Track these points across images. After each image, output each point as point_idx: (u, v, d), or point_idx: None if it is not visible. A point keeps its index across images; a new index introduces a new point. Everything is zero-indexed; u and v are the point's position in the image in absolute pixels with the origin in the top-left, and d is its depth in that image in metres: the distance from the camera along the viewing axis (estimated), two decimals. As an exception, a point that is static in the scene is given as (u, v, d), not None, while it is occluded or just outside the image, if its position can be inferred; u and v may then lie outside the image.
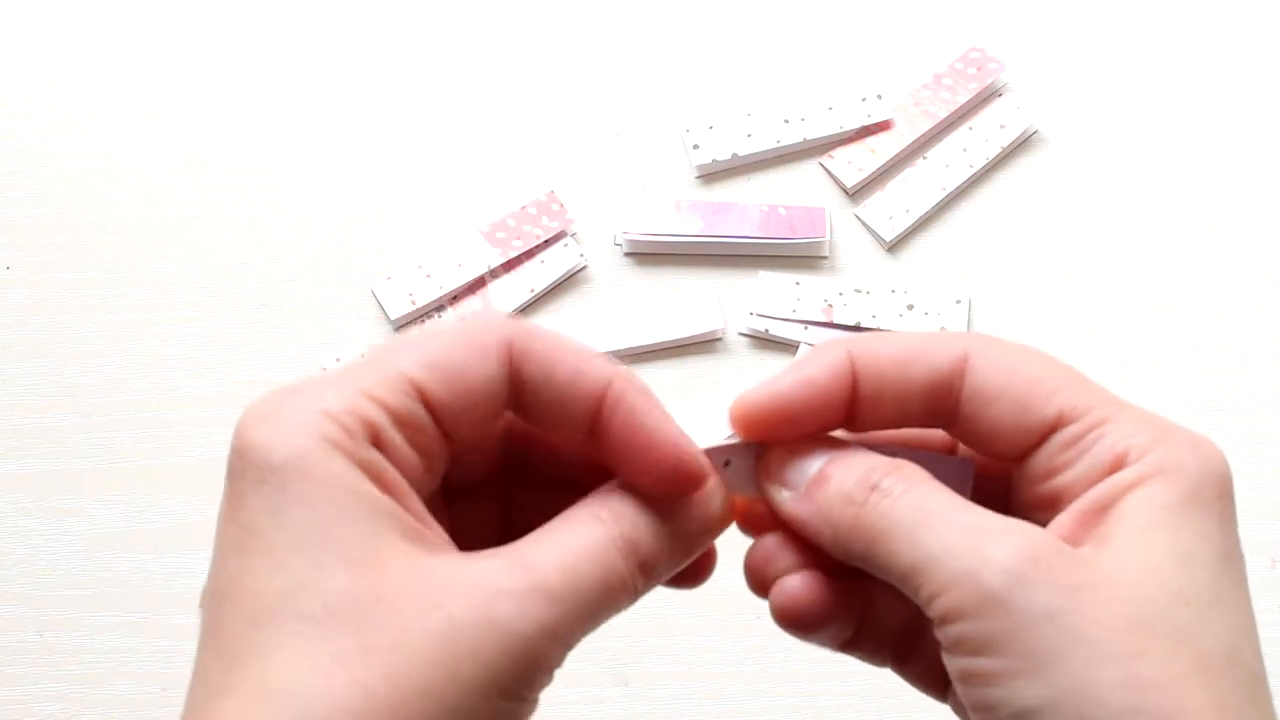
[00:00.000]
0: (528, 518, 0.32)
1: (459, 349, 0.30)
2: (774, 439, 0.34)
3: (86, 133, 0.78)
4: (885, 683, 0.38)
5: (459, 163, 0.77)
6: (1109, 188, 0.75)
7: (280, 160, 0.77)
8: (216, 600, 0.29)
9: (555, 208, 0.74)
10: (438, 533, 0.30)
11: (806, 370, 0.33)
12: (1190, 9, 0.80)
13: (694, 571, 0.34)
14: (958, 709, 0.36)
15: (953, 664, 0.30)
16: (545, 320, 0.72)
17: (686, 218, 0.73)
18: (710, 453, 0.34)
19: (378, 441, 0.29)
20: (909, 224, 0.73)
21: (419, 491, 0.30)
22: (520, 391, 0.31)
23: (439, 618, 0.28)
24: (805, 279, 0.72)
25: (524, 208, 0.74)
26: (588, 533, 0.30)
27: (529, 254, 0.73)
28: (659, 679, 0.64)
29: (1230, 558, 0.31)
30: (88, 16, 0.81)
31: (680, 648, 0.65)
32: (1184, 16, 0.80)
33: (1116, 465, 0.31)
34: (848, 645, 0.36)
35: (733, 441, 0.34)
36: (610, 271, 0.73)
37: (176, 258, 0.74)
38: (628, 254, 0.74)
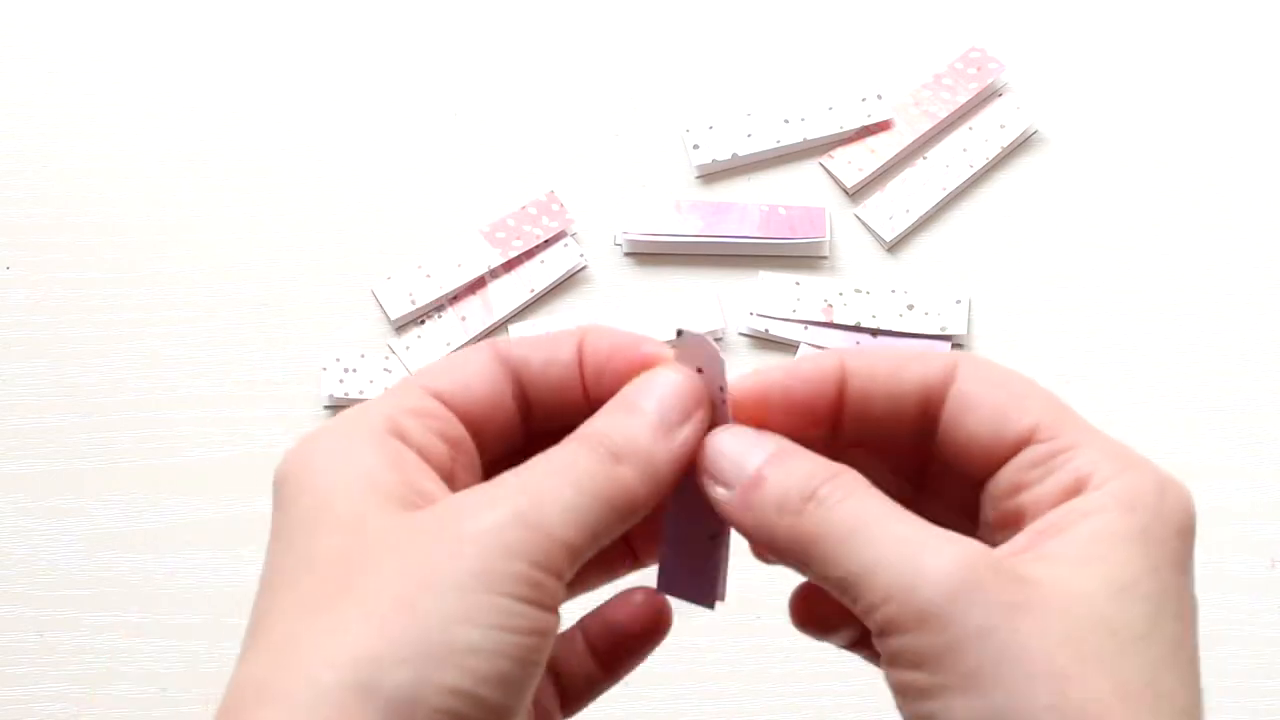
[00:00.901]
0: None
1: (455, 359, 0.34)
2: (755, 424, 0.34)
3: (86, 133, 0.78)
4: (885, 683, 0.38)
5: (459, 163, 0.77)
6: (1109, 188, 0.75)
7: (280, 160, 0.77)
8: (256, 594, 0.31)
9: (555, 208, 0.74)
10: (445, 492, 0.32)
11: (796, 365, 0.34)
12: (1190, 9, 0.80)
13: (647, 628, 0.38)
14: None
15: (890, 677, 0.30)
16: (545, 320, 0.72)
17: (686, 218, 0.73)
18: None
19: (402, 434, 0.31)
20: (909, 224, 0.73)
21: (453, 483, 0.32)
22: (516, 370, 0.34)
23: (423, 542, 0.29)
24: (805, 279, 0.72)
25: (524, 208, 0.74)
26: (568, 449, 0.32)
27: (529, 254, 0.73)
28: (659, 679, 0.64)
29: (1175, 595, 0.30)
30: (88, 16, 0.81)
31: (680, 648, 0.65)
32: (1184, 16, 0.80)
33: (1076, 489, 0.31)
34: (855, 644, 0.36)
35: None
36: (610, 271, 0.73)
37: (176, 258, 0.74)
38: (628, 254, 0.74)
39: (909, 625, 0.29)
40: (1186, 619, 0.30)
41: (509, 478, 0.31)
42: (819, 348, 0.70)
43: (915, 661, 0.29)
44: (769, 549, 0.32)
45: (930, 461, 0.35)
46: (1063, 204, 0.75)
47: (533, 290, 0.72)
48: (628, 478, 0.31)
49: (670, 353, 0.35)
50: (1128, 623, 0.29)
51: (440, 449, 0.32)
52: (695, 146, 0.75)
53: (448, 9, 0.81)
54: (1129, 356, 0.71)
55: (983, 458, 0.33)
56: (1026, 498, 0.32)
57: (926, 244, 0.74)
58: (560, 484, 0.30)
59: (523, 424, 0.35)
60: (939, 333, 0.70)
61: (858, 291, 0.71)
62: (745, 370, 0.35)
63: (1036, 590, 0.29)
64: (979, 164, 0.75)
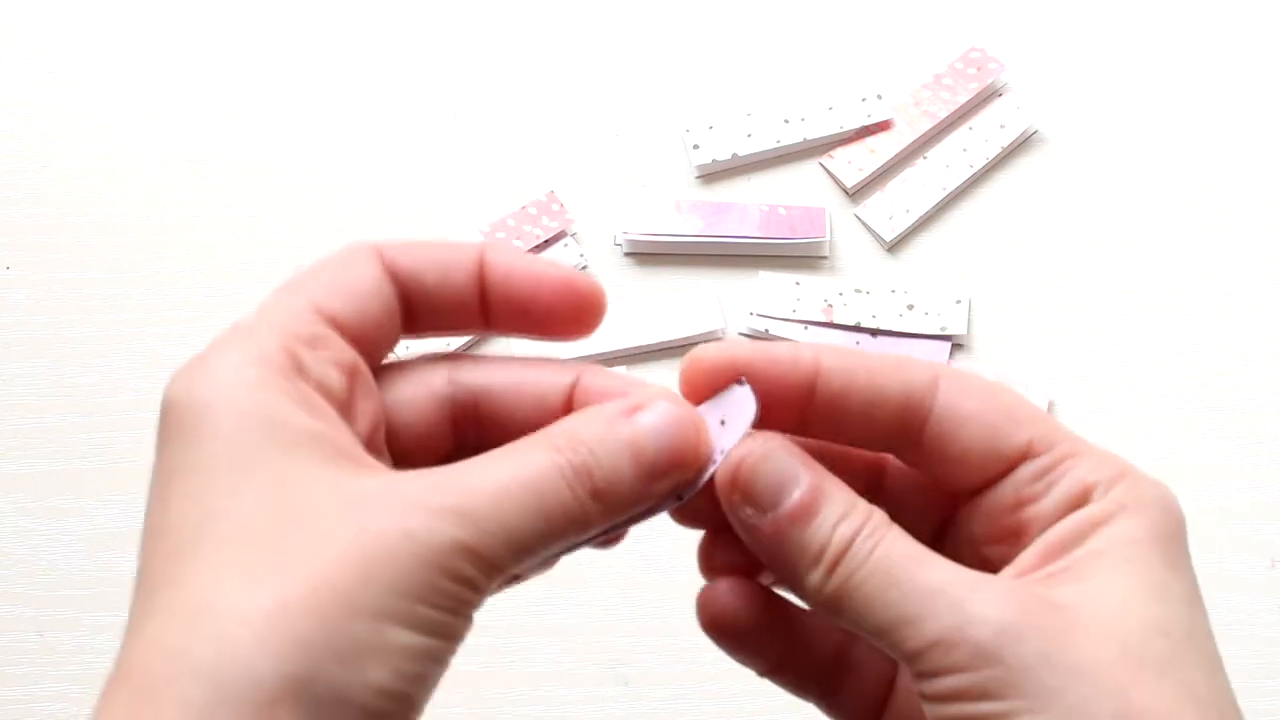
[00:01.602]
0: None
1: (340, 267, 0.32)
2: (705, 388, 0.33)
3: (86, 133, 0.78)
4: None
5: (459, 163, 0.77)
6: (1109, 188, 0.75)
7: (280, 160, 0.77)
8: (143, 545, 0.29)
9: (555, 208, 0.74)
10: (367, 457, 0.30)
11: (771, 348, 0.33)
12: (1190, 9, 0.80)
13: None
14: None
15: (941, 709, 0.30)
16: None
17: (686, 218, 0.73)
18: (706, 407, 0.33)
19: (301, 370, 0.30)
20: (909, 224, 0.73)
21: (349, 414, 0.31)
22: (406, 289, 0.33)
23: (352, 526, 0.28)
24: (805, 279, 0.72)
25: (524, 208, 0.74)
26: (533, 459, 0.30)
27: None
28: (659, 679, 0.64)
29: (1196, 594, 0.31)
30: (88, 16, 0.81)
31: (680, 648, 0.65)
32: (1184, 16, 0.80)
33: (1081, 500, 0.32)
34: (774, 671, 0.36)
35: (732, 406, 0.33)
36: (610, 271, 0.73)
37: (176, 258, 0.74)
38: (628, 254, 0.74)
39: (963, 665, 0.29)
40: (1207, 618, 0.31)
41: (465, 478, 0.29)
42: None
43: (975, 695, 0.29)
44: (794, 590, 0.32)
45: (884, 471, 0.35)
46: (1063, 204, 0.75)
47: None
48: (595, 515, 0.30)
49: (584, 286, 0.34)
50: (1175, 623, 0.30)
51: (338, 382, 0.31)
52: (695, 146, 0.75)
53: (448, 9, 0.81)
54: (1129, 356, 0.71)
55: (976, 471, 0.33)
56: (1031, 511, 0.32)
57: (926, 244, 0.74)
58: (523, 509, 0.29)
59: (403, 326, 0.34)
60: (939, 333, 0.70)
61: (858, 291, 0.71)
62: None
63: (1080, 610, 0.29)
64: (979, 164, 0.75)
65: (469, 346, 0.66)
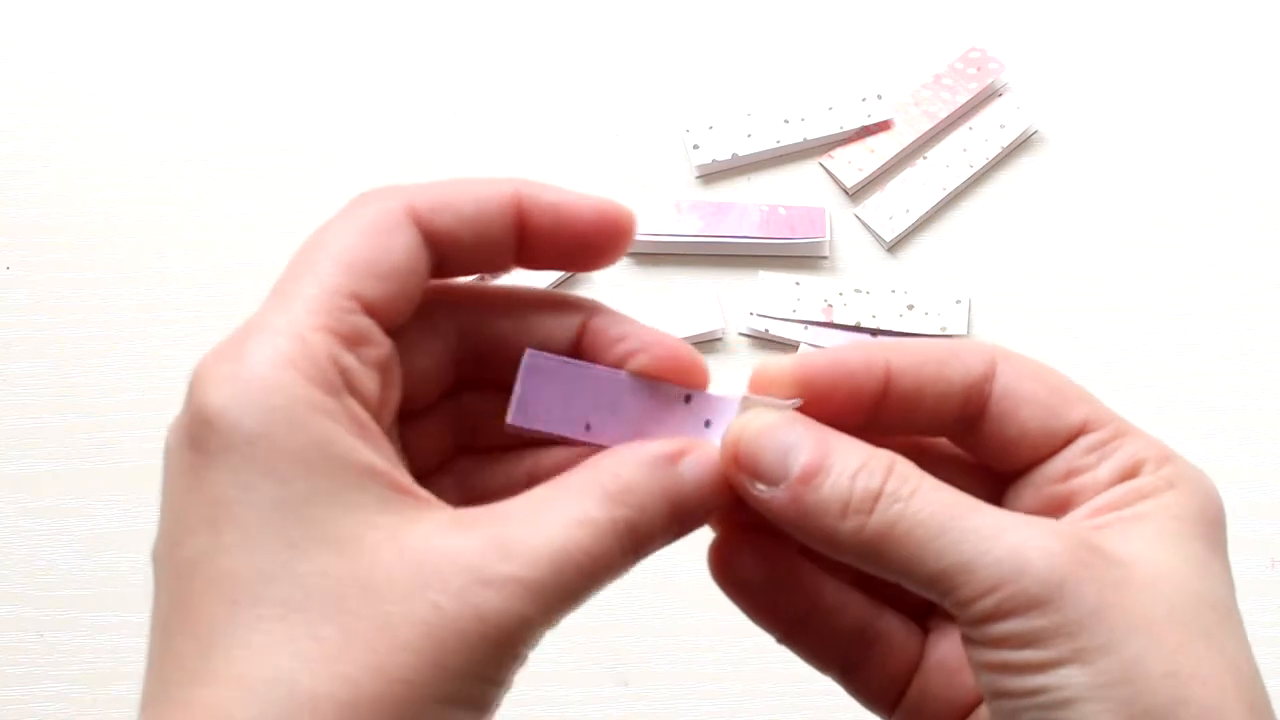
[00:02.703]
0: (483, 425, 0.32)
1: (373, 236, 0.30)
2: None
3: (86, 133, 0.78)
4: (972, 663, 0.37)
5: (459, 163, 0.77)
6: (1109, 188, 0.75)
7: (280, 160, 0.77)
8: (183, 575, 0.28)
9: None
10: (416, 486, 0.29)
11: (841, 354, 0.33)
12: (1190, 9, 0.80)
13: None
14: None
15: (988, 655, 0.29)
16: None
17: (686, 218, 0.73)
18: (728, 404, 0.32)
19: (349, 381, 0.29)
20: (909, 224, 0.73)
21: (381, 412, 0.30)
22: (441, 249, 0.31)
23: (424, 605, 0.27)
24: (805, 279, 0.72)
25: (524, 208, 0.74)
26: (587, 514, 0.29)
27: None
28: (659, 679, 0.64)
29: (1231, 580, 0.32)
30: (88, 16, 0.81)
31: (680, 648, 0.65)
32: (1184, 16, 0.80)
33: (1133, 472, 0.32)
34: (792, 637, 0.35)
35: (769, 405, 0.32)
36: (610, 271, 0.73)
37: (176, 258, 0.74)
38: (628, 254, 0.73)
39: (1019, 610, 0.29)
40: (1237, 604, 0.31)
41: (525, 537, 0.28)
42: (819, 348, 0.70)
43: (1027, 641, 0.29)
44: (825, 547, 0.31)
45: (922, 455, 0.35)
46: (1063, 204, 0.75)
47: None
48: (629, 565, 0.31)
49: (621, 215, 0.32)
50: (1219, 599, 0.30)
51: (375, 384, 0.29)
52: (695, 146, 0.75)
53: (448, 9, 0.81)
54: (1129, 356, 0.71)
55: (1032, 449, 0.33)
56: (1081, 481, 0.32)
57: (926, 244, 0.74)
58: (580, 573, 0.29)
59: (455, 357, 0.33)
60: (939, 333, 0.70)
61: (858, 291, 0.71)
62: (745, 371, 0.34)
63: (1132, 567, 0.29)
64: (979, 164, 0.75)
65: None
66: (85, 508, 0.68)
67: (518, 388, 0.31)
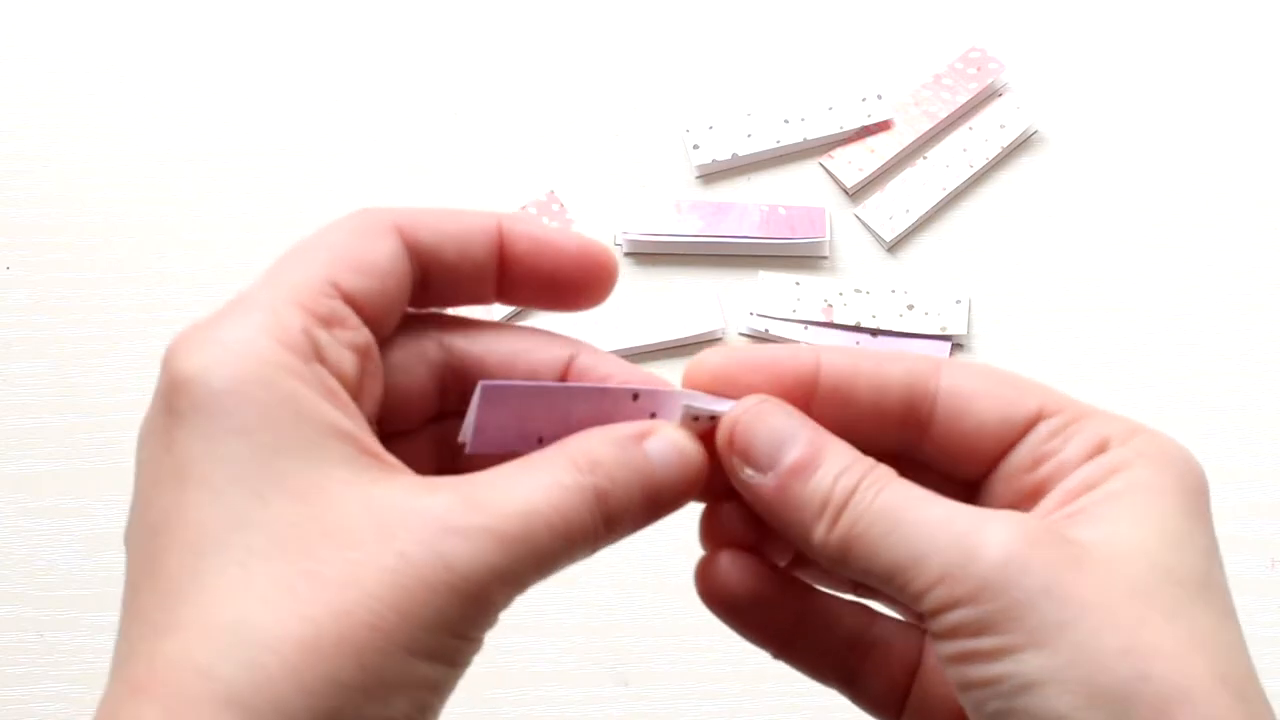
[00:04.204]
0: (466, 462, 0.32)
1: (357, 237, 0.31)
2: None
3: (86, 133, 0.78)
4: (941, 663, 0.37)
5: (459, 163, 0.77)
6: (1109, 188, 0.75)
7: (280, 160, 0.77)
8: (150, 535, 0.28)
9: (555, 208, 0.74)
10: (386, 453, 0.30)
11: (769, 349, 0.33)
12: (1190, 9, 0.80)
13: None
14: None
15: (948, 648, 0.29)
16: (546, 321, 0.72)
17: (686, 218, 0.73)
18: (674, 398, 0.32)
19: (319, 353, 0.29)
20: (909, 224, 0.73)
21: (359, 397, 0.30)
22: (424, 264, 0.32)
23: (389, 553, 0.27)
24: (805, 279, 0.72)
25: (524, 208, 0.74)
26: (558, 478, 0.29)
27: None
28: (659, 679, 0.64)
29: (1214, 549, 0.31)
30: (88, 16, 0.81)
31: (680, 648, 0.65)
32: (1184, 16, 0.80)
33: (1100, 449, 0.32)
34: (787, 652, 0.35)
35: (702, 404, 0.32)
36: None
37: (176, 258, 0.74)
38: (628, 254, 0.74)
39: (968, 598, 0.28)
40: (1224, 575, 0.31)
41: (494, 494, 0.29)
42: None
43: (978, 629, 0.28)
44: (801, 544, 0.31)
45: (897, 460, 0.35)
46: (1063, 204, 0.75)
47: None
48: (603, 539, 0.30)
49: (602, 256, 0.33)
50: (1190, 573, 0.29)
51: (352, 365, 0.30)
52: (695, 146, 0.75)
53: (448, 9, 0.81)
54: (1129, 357, 0.71)
55: (993, 441, 0.33)
56: (1049, 466, 0.32)
57: (926, 244, 0.74)
58: (550, 530, 0.29)
59: (412, 300, 0.33)
60: (939, 333, 0.70)
61: (858, 291, 0.71)
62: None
63: (1091, 547, 0.29)
64: (979, 164, 0.75)
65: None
66: (85, 508, 0.68)
67: (472, 416, 0.31)
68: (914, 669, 0.36)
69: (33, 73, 0.79)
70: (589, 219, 0.74)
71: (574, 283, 0.33)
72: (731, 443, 0.32)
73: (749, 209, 0.73)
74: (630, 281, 0.73)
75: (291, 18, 0.81)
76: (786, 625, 0.35)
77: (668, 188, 0.75)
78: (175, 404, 0.28)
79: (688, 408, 0.32)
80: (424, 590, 0.27)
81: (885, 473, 0.31)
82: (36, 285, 0.74)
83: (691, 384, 0.33)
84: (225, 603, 0.26)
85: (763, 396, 0.32)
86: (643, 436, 0.31)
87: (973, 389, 0.33)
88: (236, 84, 0.79)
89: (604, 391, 0.32)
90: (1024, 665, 0.28)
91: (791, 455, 0.31)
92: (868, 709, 0.36)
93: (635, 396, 0.32)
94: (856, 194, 0.75)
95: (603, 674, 0.65)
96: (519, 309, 0.70)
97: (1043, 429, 0.32)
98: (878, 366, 0.33)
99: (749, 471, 0.32)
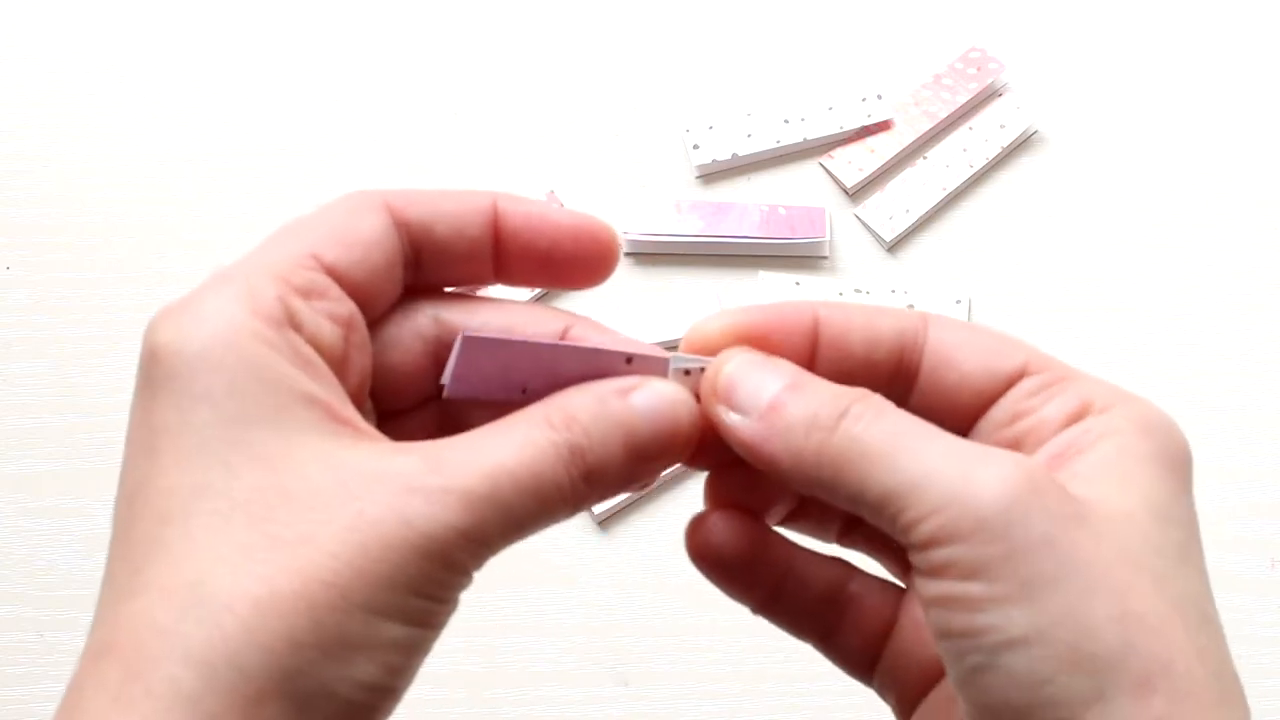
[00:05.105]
0: (463, 430, 0.32)
1: (344, 214, 0.31)
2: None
3: (86, 133, 0.78)
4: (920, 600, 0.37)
5: (459, 163, 0.77)
6: (1109, 188, 0.75)
7: (280, 160, 0.77)
8: (126, 504, 0.28)
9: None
10: (361, 421, 0.29)
11: (770, 307, 0.33)
12: (1190, 9, 0.80)
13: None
14: (882, 690, 0.36)
15: (934, 588, 0.28)
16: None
17: (686, 218, 0.73)
18: (668, 364, 0.32)
19: (294, 321, 0.29)
20: (909, 224, 0.73)
21: (342, 368, 0.30)
22: (415, 241, 0.32)
23: (349, 512, 0.27)
24: (805, 279, 0.72)
25: (524, 208, 0.74)
26: (528, 436, 0.29)
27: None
28: (659, 679, 0.64)
29: (1194, 523, 0.30)
30: (88, 16, 0.81)
31: (680, 648, 0.65)
32: (1184, 16, 0.80)
33: (1082, 413, 0.31)
34: (767, 608, 0.35)
35: (691, 361, 0.32)
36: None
37: (176, 258, 0.74)
38: (628, 254, 0.74)
39: (963, 534, 0.27)
40: (1202, 550, 0.30)
41: (460, 455, 0.28)
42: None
43: (968, 572, 0.27)
44: (788, 467, 0.30)
45: None
46: (1063, 204, 0.75)
47: (534, 290, 0.72)
48: (584, 496, 0.30)
49: (602, 232, 0.33)
50: (1171, 545, 0.29)
51: (331, 334, 0.30)
52: (695, 146, 0.75)
53: (448, 9, 0.81)
54: (1129, 357, 0.71)
55: (974, 396, 0.33)
56: (1029, 423, 0.32)
57: (926, 244, 0.74)
58: (519, 489, 0.28)
59: (406, 278, 0.33)
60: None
61: (858, 291, 0.71)
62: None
63: (1088, 504, 0.28)
64: (979, 164, 0.75)
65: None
66: (85, 508, 0.68)
67: (452, 363, 0.31)
68: (889, 627, 0.35)
69: (33, 73, 0.79)
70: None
71: (572, 260, 0.33)
72: (715, 390, 0.32)
73: (749, 209, 0.73)
74: (630, 281, 0.73)
75: (291, 18, 0.81)
76: (768, 582, 0.35)
77: (668, 188, 0.75)
78: (151, 374, 0.28)
79: (680, 365, 0.32)
80: (383, 548, 0.27)
81: (881, 400, 0.31)
82: (36, 285, 0.74)
83: (692, 350, 0.33)
84: (185, 565, 0.27)
85: (745, 347, 0.32)
86: (627, 391, 0.31)
87: (958, 342, 0.33)
88: (236, 84, 0.79)
89: (595, 352, 0.32)
90: (1010, 619, 0.27)
91: (775, 387, 0.31)
92: (842, 665, 0.36)
93: (629, 360, 0.32)
94: (856, 194, 0.75)
95: (603, 674, 0.65)
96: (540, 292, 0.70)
97: (1024, 386, 0.32)
98: (870, 320, 0.33)
99: (734, 416, 0.31)
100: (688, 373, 0.32)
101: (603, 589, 0.66)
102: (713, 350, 0.33)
